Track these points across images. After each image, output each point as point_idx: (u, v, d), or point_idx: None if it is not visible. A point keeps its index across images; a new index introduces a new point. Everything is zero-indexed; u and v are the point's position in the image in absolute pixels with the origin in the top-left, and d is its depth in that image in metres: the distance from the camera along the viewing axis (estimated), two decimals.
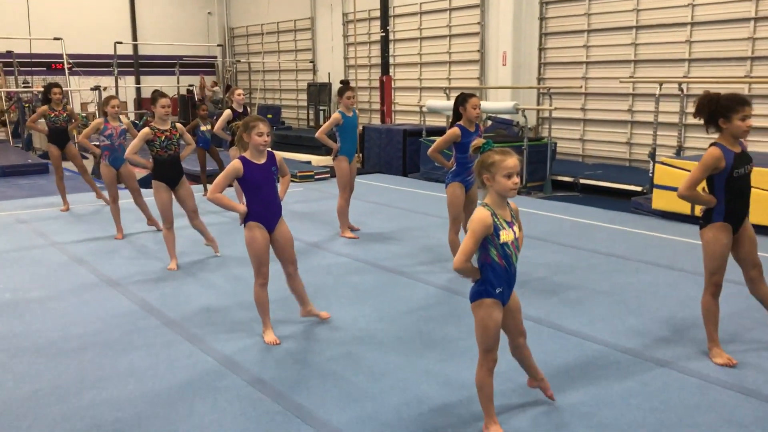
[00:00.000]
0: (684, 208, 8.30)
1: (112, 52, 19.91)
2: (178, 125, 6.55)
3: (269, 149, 4.60)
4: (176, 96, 22.77)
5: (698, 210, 4.42)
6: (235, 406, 3.76)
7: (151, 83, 23.65)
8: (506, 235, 3.19)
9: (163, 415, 3.66)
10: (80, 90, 18.91)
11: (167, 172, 6.39)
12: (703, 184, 4.23)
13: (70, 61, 18.57)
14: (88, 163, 12.00)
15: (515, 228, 3.25)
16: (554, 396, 3.72)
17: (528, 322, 4.44)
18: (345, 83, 7.67)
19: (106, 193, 8.91)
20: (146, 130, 6.31)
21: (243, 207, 4.54)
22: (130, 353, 4.49)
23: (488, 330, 3.26)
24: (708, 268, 4.25)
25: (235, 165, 4.50)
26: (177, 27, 25.06)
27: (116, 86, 18.19)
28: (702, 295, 4.33)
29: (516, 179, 3.17)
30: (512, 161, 3.16)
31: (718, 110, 4.07)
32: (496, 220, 3.17)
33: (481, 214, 3.17)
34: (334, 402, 3.78)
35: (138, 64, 24.11)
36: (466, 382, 3.90)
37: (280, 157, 4.69)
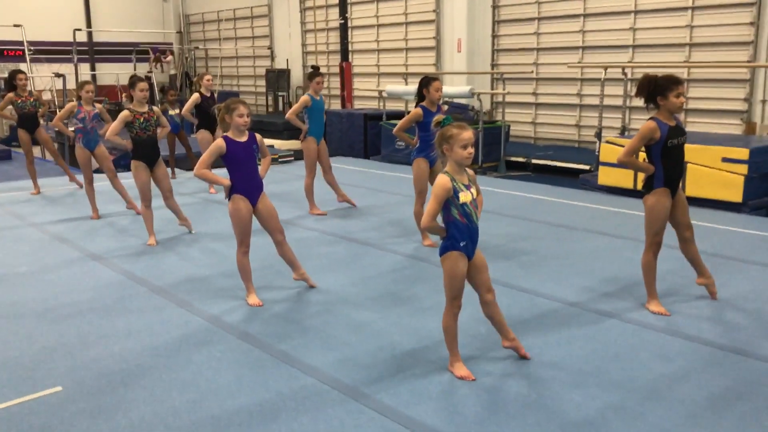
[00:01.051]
0: (627, 182, 8.97)
1: (66, 40, 19.86)
2: (155, 108, 6.89)
3: (249, 129, 5.02)
4: None
5: (640, 182, 5.00)
6: (228, 355, 4.20)
7: (107, 71, 23.61)
8: (465, 197, 3.69)
9: (163, 365, 4.09)
10: (40, 77, 18.80)
11: (146, 152, 6.73)
12: (644, 156, 4.80)
13: (31, 48, 18.47)
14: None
15: (472, 190, 3.75)
16: (528, 355, 4.10)
17: None
18: (315, 68, 8.09)
19: (79, 177, 9.19)
20: (126, 112, 6.64)
21: (227, 180, 4.96)
22: (125, 316, 4.88)
23: (454, 279, 3.76)
24: (651, 230, 4.81)
25: (218, 143, 4.91)
26: (132, 14, 24.97)
27: (76, 73, 18.18)
28: (643, 254, 4.90)
29: (471, 149, 3.67)
30: (467, 134, 3.66)
31: (656, 89, 4.64)
32: (455, 184, 3.66)
33: (441, 180, 3.67)
34: (315, 349, 4.26)
35: (93, 52, 23.97)
36: (433, 331, 4.40)
37: (261, 138, 5.11)
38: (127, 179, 8.43)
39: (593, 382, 3.79)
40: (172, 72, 24.26)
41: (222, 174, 5.05)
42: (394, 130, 6.74)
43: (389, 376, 3.89)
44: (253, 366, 4.05)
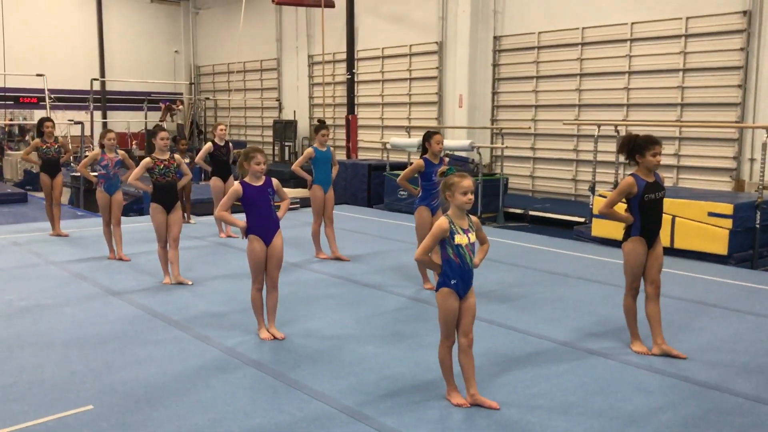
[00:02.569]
0: (618, 234, 9.33)
1: (79, 88, 20.58)
2: (177, 156, 7.37)
3: (266, 175, 5.47)
4: (143, 131, 23.47)
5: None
6: (243, 382, 4.57)
7: (118, 118, 24.34)
8: (460, 239, 4.10)
9: (184, 389, 4.45)
10: (57, 123, 19.46)
11: (164, 196, 7.17)
12: (625, 207, 5.23)
13: (51, 96, 19.20)
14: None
15: (470, 235, 4.16)
16: (496, 405, 4.17)
17: (482, 323, 5.40)
18: (321, 122, 8.60)
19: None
20: (147, 159, 7.12)
21: (243, 222, 5.39)
22: (146, 346, 5.26)
23: (446, 314, 4.15)
24: (629, 275, 5.22)
25: (236, 188, 5.36)
26: (144, 64, 25.84)
27: (92, 121, 18.85)
28: (623, 298, 5.30)
29: (470, 196, 4.11)
30: (467, 182, 4.11)
31: (635, 148, 5.08)
32: (452, 226, 4.09)
33: (440, 221, 4.12)
34: (324, 378, 4.62)
35: (105, 100, 24.74)
36: (432, 364, 4.74)
37: (278, 183, 5.55)
38: (135, 223, 8.88)
39: (578, 411, 4.16)
40: (180, 121, 24.96)
41: (240, 217, 5.47)
42: (398, 179, 7.20)
43: (392, 402, 4.25)
44: (267, 391, 4.42)
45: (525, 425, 3.96)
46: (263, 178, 5.44)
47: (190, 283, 7.19)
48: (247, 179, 5.40)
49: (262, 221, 5.40)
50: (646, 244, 5.15)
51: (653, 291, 5.18)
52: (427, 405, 4.21)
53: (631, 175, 5.13)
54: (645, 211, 5.09)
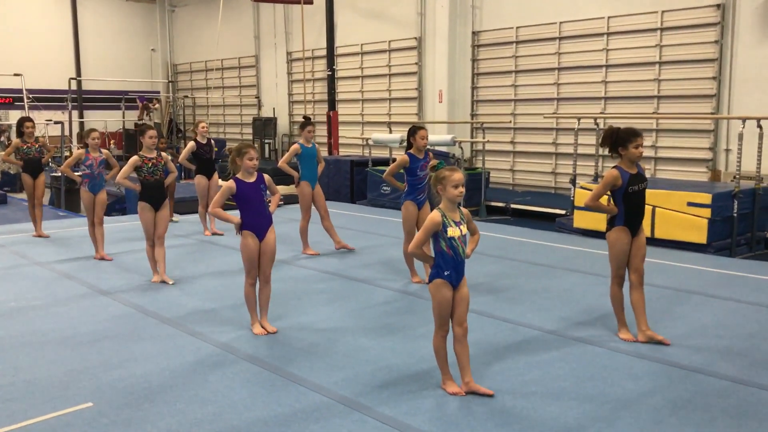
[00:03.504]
0: (600, 225, 9.52)
1: (55, 87, 20.39)
2: (164, 154, 7.38)
3: (257, 171, 5.52)
4: (121, 131, 23.31)
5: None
6: (240, 376, 4.63)
7: (95, 118, 24.14)
8: (453, 231, 4.19)
9: (182, 384, 4.50)
10: (35, 123, 19.29)
11: (152, 194, 7.18)
12: (607, 197, 5.36)
13: (29, 95, 19.03)
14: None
15: (462, 227, 4.25)
16: (491, 392, 4.27)
17: (472, 314, 5.46)
18: (307, 119, 8.67)
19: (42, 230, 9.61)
20: (135, 157, 7.13)
21: (237, 218, 5.43)
22: (141, 343, 5.29)
23: (440, 303, 4.24)
24: (614, 263, 5.34)
25: (229, 184, 5.40)
26: (121, 63, 25.66)
27: (70, 120, 18.69)
28: (610, 287, 5.43)
29: (461, 189, 4.19)
30: (458, 175, 4.19)
31: (618, 141, 5.21)
32: (445, 219, 4.18)
33: (433, 215, 4.20)
34: (320, 371, 4.70)
35: (82, 99, 24.49)
36: (425, 355, 4.85)
37: (269, 178, 5.60)
38: (119, 223, 8.86)
39: (570, 396, 4.27)
40: (157, 120, 24.82)
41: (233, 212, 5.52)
42: (384, 174, 7.27)
43: (388, 392, 4.34)
44: (265, 384, 4.48)
45: (520, 411, 4.06)
46: (255, 174, 5.48)
47: (171, 282, 7.14)
48: (239, 175, 5.44)
49: (255, 217, 5.44)
50: (629, 234, 5.27)
51: (637, 279, 5.31)
52: (422, 394, 4.30)
53: (615, 167, 5.25)
54: (629, 203, 5.21)
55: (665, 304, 6.26)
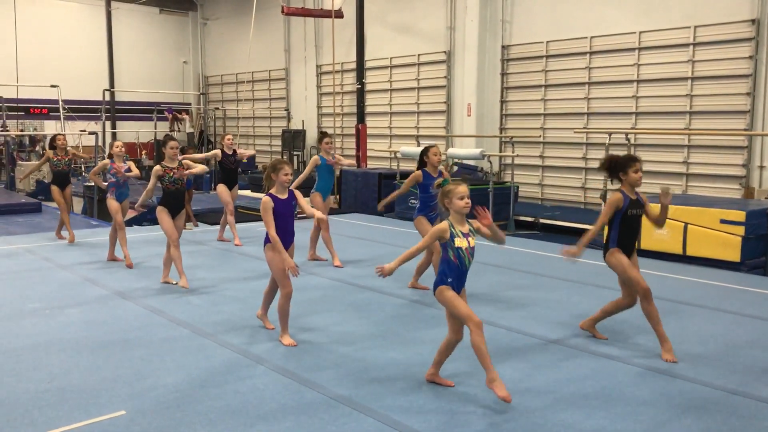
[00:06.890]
0: None
1: (89, 98, 20.79)
2: (185, 162, 7.57)
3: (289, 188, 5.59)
4: (152, 141, 23.64)
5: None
6: (269, 384, 4.67)
7: (127, 128, 24.54)
8: (460, 242, 4.31)
9: (213, 392, 4.54)
10: (70, 134, 19.69)
11: (172, 202, 7.42)
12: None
13: (65, 106, 19.42)
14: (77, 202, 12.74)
15: (470, 239, 4.35)
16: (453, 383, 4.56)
17: (501, 329, 5.47)
18: (323, 133, 8.86)
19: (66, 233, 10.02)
20: (157, 167, 7.42)
21: (293, 263, 5.36)
22: (172, 353, 5.34)
23: (451, 301, 4.33)
24: (631, 282, 5.33)
25: (266, 201, 5.44)
26: (153, 75, 26.05)
27: (103, 131, 19.02)
28: (640, 305, 5.37)
29: (467, 200, 4.31)
30: (462, 188, 4.32)
31: (617, 166, 5.35)
32: (452, 230, 4.30)
33: (440, 225, 4.36)
34: (346, 381, 4.71)
35: (115, 110, 24.93)
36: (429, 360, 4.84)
37: (300, 195, 5.66)
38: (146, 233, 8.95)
39: (572, 402, 4.24)
40: (189, 130, 25.15)
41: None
42: (397, 192, 7.50)
43: (404, 393, 4.34)
44: (293, 392, 4.52)
45: (523, 412, 4.04)
46: (287, 190, 5.55)
47: (174, 282, 7.39)
48: (273, 191, 5.51)
49: (283, 232, 5.49)
50: (624, 255, 5.36)
51: (632, 298, 5.46)
52: (436, 392, 4.30)
53: (618, 190, 5.35)
54: (625, 225, 5.34)
55: (698, 323, 6.19)
